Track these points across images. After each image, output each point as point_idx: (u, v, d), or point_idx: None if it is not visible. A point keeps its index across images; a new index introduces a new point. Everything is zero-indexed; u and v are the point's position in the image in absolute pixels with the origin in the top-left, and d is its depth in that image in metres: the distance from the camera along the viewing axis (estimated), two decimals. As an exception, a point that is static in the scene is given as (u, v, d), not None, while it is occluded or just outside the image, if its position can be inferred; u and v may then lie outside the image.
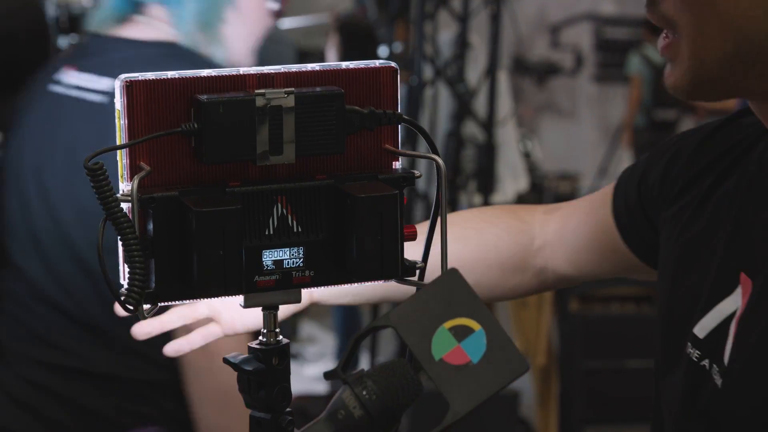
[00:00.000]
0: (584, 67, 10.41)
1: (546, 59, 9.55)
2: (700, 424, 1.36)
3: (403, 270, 1.32)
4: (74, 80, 2.39)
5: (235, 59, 2.44)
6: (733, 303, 1.34)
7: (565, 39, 10.49)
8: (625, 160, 10.60)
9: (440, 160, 1.30)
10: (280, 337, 1.33)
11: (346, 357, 1.16)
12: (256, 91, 1.24)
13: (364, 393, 1.13)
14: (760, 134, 1.41)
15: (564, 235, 1.71)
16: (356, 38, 6.03)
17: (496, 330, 1.09)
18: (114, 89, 1.24)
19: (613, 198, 1.64)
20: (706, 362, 1.35)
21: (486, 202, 5.18)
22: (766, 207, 1.34)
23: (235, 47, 2.43)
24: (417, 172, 1.33)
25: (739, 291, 1.33)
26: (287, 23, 6.64)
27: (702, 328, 1.36)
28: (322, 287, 1.32)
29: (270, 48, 5.31)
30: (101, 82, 2.34)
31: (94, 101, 2.33)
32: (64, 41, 4.57)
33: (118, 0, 2.42)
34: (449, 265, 1.22)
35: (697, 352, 1.36)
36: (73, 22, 4.51)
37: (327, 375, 1.16)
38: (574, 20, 10.69)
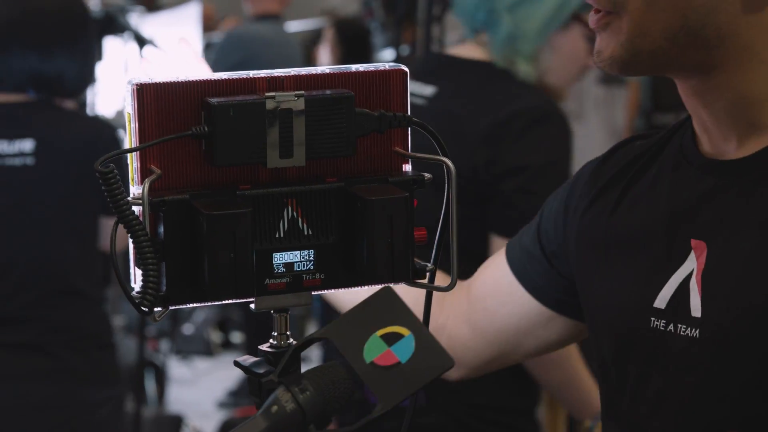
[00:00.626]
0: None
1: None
2: (674, 383, 1.38)
3: (413, 273, 1.32)
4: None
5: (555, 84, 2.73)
6: (689, 266, 1.40)
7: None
8: None
9: (450, 163, 1.30)
10: (291, 339, 1.33)
11: (283, 364, 1.23)
12: (266, 94, 1.24)
13: (297, 389, 1.19)
14: (671, 134, 1.50)
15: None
16: (352, 36, 6.03)
17: (425, 334, 1.19)
18: None
19: (508, 255, 1.69)
20: (671, 327, 1.40)
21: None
22: (701, 180, 1.41)
23: (554, 76, 2.74)
24: (427, 175, 1.33)
25: (692, 255, 1.40)
26: (293, 26, 6.63)
27: (662, 299, 1.41)
28: (333, 290, 1.32)
29: (278, 51, 5.32)
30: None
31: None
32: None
33: (467, 29, 2.78)
34: None
35: (663, 321, 1.41)
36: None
37: (255, 375, 1.27)
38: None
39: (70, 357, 2.88)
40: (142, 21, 5.10)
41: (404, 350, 1.18)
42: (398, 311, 1.20)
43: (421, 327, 1.19)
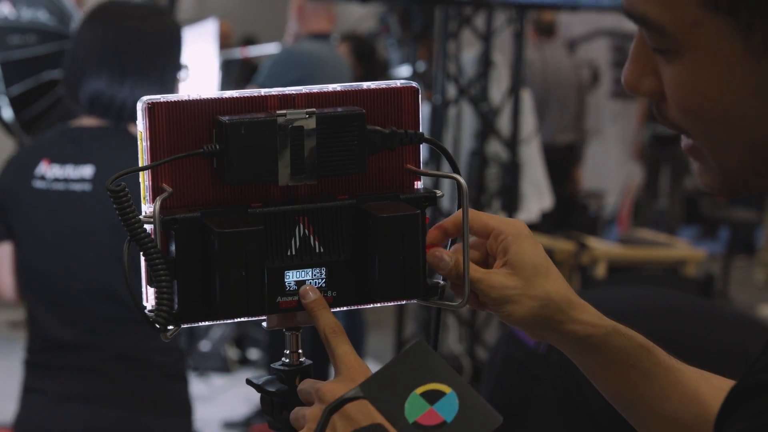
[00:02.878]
0: (601, 83, 10.41)
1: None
2: None
3: (425, 290, 1.32)
4: None
5: None
6: None
7: (583, 55, 10.50)
8: (634, 173, 10.66)
9: (462, 180, 1.30)
10: (303, 358, 1.33)
11: (320, 427, 1.18)
12: (278, 111, 1.24)
13: None
14: None
15: None
16: (364, 50, 6.04)
17: (467, 391, 1.14)
18: None
19: None
20: None
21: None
22: None
23: None
24: (439, 192, 1.33)
25: None
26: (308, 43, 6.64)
27: None
28: (345, 307, 1.31)
29: (332, 69, 5.34)
30: None
31: None
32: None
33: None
34: None
35: None
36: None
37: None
38: (591, 36, 10.69)
39: (132, 383, 2.88)
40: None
41: (448, 408, 1.14)
42: (434, 366, 1.16)
43: (462, 383, 1.15)
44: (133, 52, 2.84)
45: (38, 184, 2.84)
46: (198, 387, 6.26)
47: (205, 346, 6.62)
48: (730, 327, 2.85)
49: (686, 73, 1.06)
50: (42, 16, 4.53)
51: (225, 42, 8.88)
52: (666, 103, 1.11)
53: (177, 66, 2.90)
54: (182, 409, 2.99)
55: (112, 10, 2.91)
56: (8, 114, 4.61)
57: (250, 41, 10.17)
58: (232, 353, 6.74)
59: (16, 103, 4.58)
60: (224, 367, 6.63)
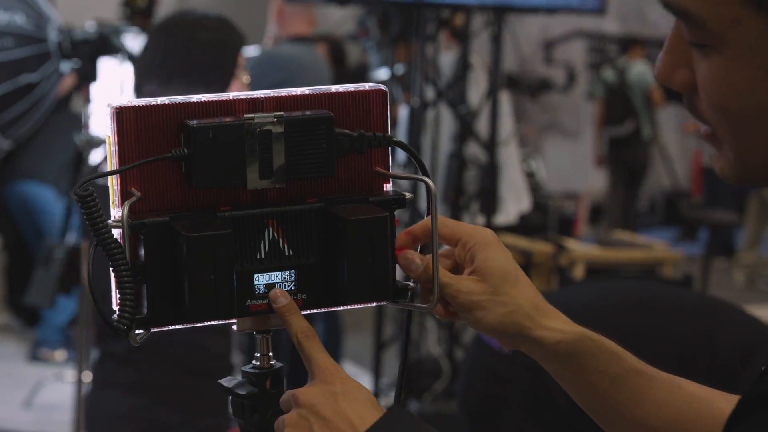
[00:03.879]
0: (578, 84, 10.46)
1: (538, 75, 9.60)
2: None
3: (394, 292, 1.32)
4: None
5: None
6: None
7: (560, 56, 10.54)
8: (591, 178, 10.72)
9: (431, 182, 1.30)
10: (274, 361, 1.33)
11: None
12: (246, 115, 1.24)
13: None
14: None
15: None
16: (335, 53, 6.04)
17: None
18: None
19: None
20: None
21: (488, 223, 5.18)
22: None
23: None
24: (408, 194, 1.33)
25: None
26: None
27: None
28: (315, 310, 1.32)
29: (313, 73, 5.34)
30: None
31: None
32: (66, 66, 4.59)
33: None
34: None
35: None
36: (75, 47, 4.53)
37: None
38: (568, 37, 10.72)
39: (153, 374, 2.93)
40: (137, 41, 5.10)
41: None
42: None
43: None
44: (179, 61, 2.88)
45: None
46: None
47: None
48: (693, 312, 2.85)
49: (722, 70, 1.06)
50: (19, 19, 4.53)
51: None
52: (697, 97, 1.11)
53: (225, 76, 2.93)
54: (205, 408, 3.01)
55: (168, 21, 3.00)
56: (-15, 118, 4.60)
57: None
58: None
59: (-7, 106, 4.58)
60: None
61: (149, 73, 2.88)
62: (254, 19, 9.05)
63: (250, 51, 7.46)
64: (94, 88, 4.63)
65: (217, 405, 3.03)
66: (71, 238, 4.80)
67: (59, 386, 6.13)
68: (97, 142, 4.61)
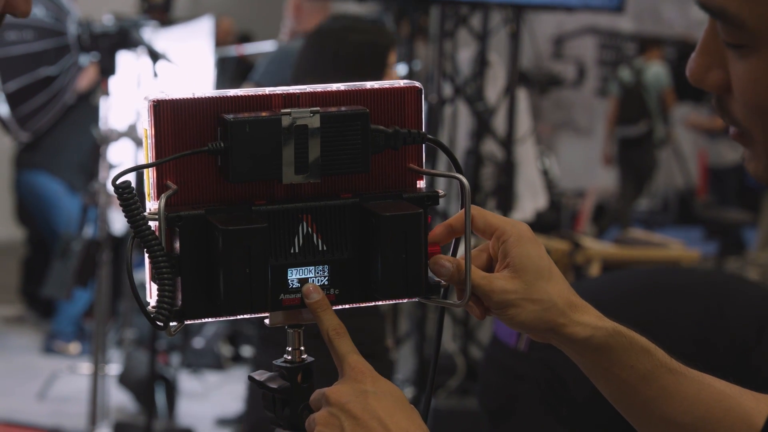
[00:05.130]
0: (587, 80, 10.45)
1: (548, 71, 9.59)
2: None
3: (427, 288, 1.32)
4: None
5: None
6: None
7: (570, 51, 10.53)
8: (602, 176, 10.71)
9: (464, 180, 1.30)
10: (305, 355, 1.34)
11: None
12: (282, 110, 1.25)
13: None
14: None
15: None
16: None
17: None
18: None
19: None
20: None
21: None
22: None
23: None
24: (441, 192, 1.34)
25: None
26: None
27: None
28: (347, 305, 1.32)
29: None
30: None
31: None
32: (85, 59, 4.60)
33: None
34: None
35: None
36: (95, 40, 4.53)
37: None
38: (579, 33, 10.71)
39: (315, 358, 3.10)
40: (155, 35, 5.11)
41: None
42: None
43: None
44: (331, 62, 3.07)
45: None
46: (191, 384, 6.27)
47: (198, 343, 6.63)
48: (704, 291, 2.83)
49: (760, 70, 1.04)
50: (39, 12, 4.54)
51: (226, 39, 8.88)
52: (730, 98, 1.09)
53: (374, 73, 3.08)
54: None
55: (323, 25, 3.20)
56: (4, 110, 4.61)
57: (245, 39, 10.17)
58: (226, 350, 6.74)
59: (12, 99, 4.59)
60: (217, 364, 6.63)
61: (303, 74, 3.06)
62: (271, 14, 9.06)
63: (267, 46, 7.48)
64: (113, 82, 4.64)
65: None
66: (88, 231, 4.82)
67: (73, 378, 6.14)
68: (116, 136, 4.63)
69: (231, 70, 8.40)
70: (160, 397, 5.36)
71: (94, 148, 4.69)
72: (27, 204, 7.30)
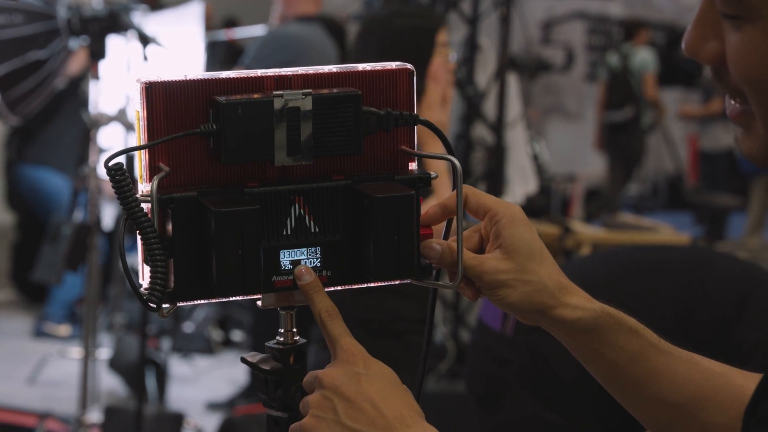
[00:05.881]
0: (576, 65, 10.45)
1: (537, 56, 9.59)
2: None
3: (419, 270, 1.33)
4: None
5: None
6: None
7: (558, 36, 10.53)
8: (591, 161, 10.72)
9: (456, 161, 1.31)
10: (297, 337, 1.34)
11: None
12: (274, 92, 1.25)
13: None
14: None
15: None
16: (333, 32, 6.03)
17: None
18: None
19: None
20: None
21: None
22: None
23: None
24: (433, 173, 1.34)
25: None
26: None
27: None
28: (339, 287, 1.32)
29: (320, 52, 5.34)
30: None
31: None
32: (75, 43, 4.59)
33: None
34: None
35: None
36: (84, 24, 4.52)
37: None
38: (567, 18, 10.71)
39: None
40: (145, 19, 5.10)
41: None
42: None
43: None
44: (377, 48, 3.16)
45: None
46: (181, 368, 6.27)
47: (188, 327, 6.63)
48: (686, 266, 2.83)
49: (755, 41, 1.05)
50: (28, -4, 4.52)
51: (206, 23, 8.86)
52: (726, 70, 1.10)
53: (421, 56, 3.16)
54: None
55: (370, 15, 3.38)
56: (-6, 94, 4.60)
57: (232, 23, 10.15)
58: (216, 335, 6.75)
59: (1, 83, 4.57)
60: (208, 348, 6.64)
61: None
62: (261, -1, 9.03)
63: (257, 30, 7.46)
64: (103, 66, 4.62)
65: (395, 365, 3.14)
66: (79, 215, 4.81)
67: (64, 363, 6.14)
68: (105, 120, 4.62)
69: (221, 55, 8.39)
70: (150, 382, 5.36)
71: (84, 132, 4.68)
72: (26, 197, 7.29)
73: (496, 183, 5.34)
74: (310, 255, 1.29)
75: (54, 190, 6.92)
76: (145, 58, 4.50)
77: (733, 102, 1.14)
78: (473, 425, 3.08)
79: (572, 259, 4.78)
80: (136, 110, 1.24)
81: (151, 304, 1.22)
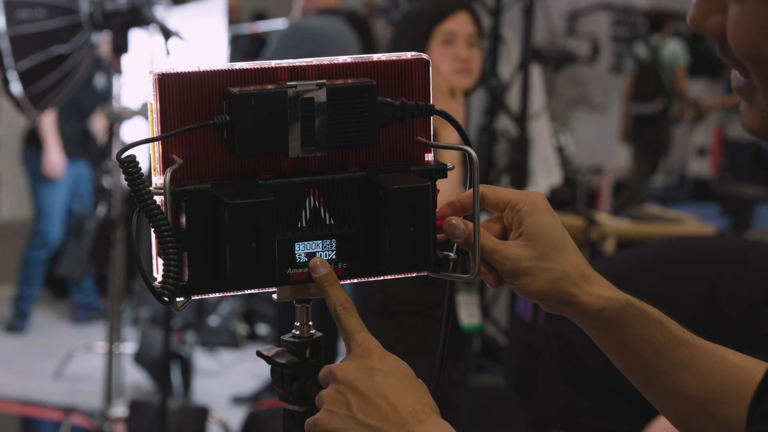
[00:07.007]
0: (602, 56, 10.40)
1: (562, 48, 9.55)
2: None
3: (435, 262, 1.31)
4: None
5: None
6: None
7: (584, 27, 10.48)
8: (618, 153, 10.66)
9: (473, 152, 1.29)
10: (313, 330, 1.33)
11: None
12: (288, 83, 1.24)
13: None
14: None
15: None
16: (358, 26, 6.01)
17: None
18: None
19: None
20: None
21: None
22: None
23: None
24: (450, 164, 1.32)
25: None
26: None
27: None
28: (355, 279, 1.31)
29: (342, 45, 5.33)
30: None
31: None
32: (97, 37, 4.59)
33: None
34: None
35: None
36: (107, 18, 4.52)
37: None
38: (592, 9, 10.67)
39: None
40: (167, 13, 5.10)
41: None
42: None
43: None
44: (390, 40, 3.30)
45: None
46: (207, 362, 6.28)
47: (213, 321, 6.63)
48: (719, 257, 2.81)
49: (754, 14, 1.05)
50: (51, -10, 4.52)
51: (234, 17, 8.86)
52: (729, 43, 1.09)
53: (416, 44, 3.24)
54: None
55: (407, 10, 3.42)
56: (17, 88, 4.61)
57: (259, 16, 10.14)
58: (241, 328, 6.75)
59: (24, 77, 4.58)
60: (233, 342, 6.64)
61: None
62: (284, -8, 9.02)
63: (279, 23, 7.45)
64: (126, 60, 4.62)
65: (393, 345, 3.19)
66: (102, 210, 4.81)
67: (89, 357, 6.16)
68: (128, 114, 4.62)
69: (244, 48, 8.39)
70: (175, 376, 5.37)
71: (108, 126, 4.69)
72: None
73: (520, 175, 5.31)
74: (325, 247, 1.28)
75: (72, 180, 7.02)
76: (168, 53, 4.50)
77: (738, 75, 1.13)
78: (504, 419, 3.09)
79: (603, 257, 4.75)
80: (150, 102, 1.23)
81: (165, 298, 1.21)
